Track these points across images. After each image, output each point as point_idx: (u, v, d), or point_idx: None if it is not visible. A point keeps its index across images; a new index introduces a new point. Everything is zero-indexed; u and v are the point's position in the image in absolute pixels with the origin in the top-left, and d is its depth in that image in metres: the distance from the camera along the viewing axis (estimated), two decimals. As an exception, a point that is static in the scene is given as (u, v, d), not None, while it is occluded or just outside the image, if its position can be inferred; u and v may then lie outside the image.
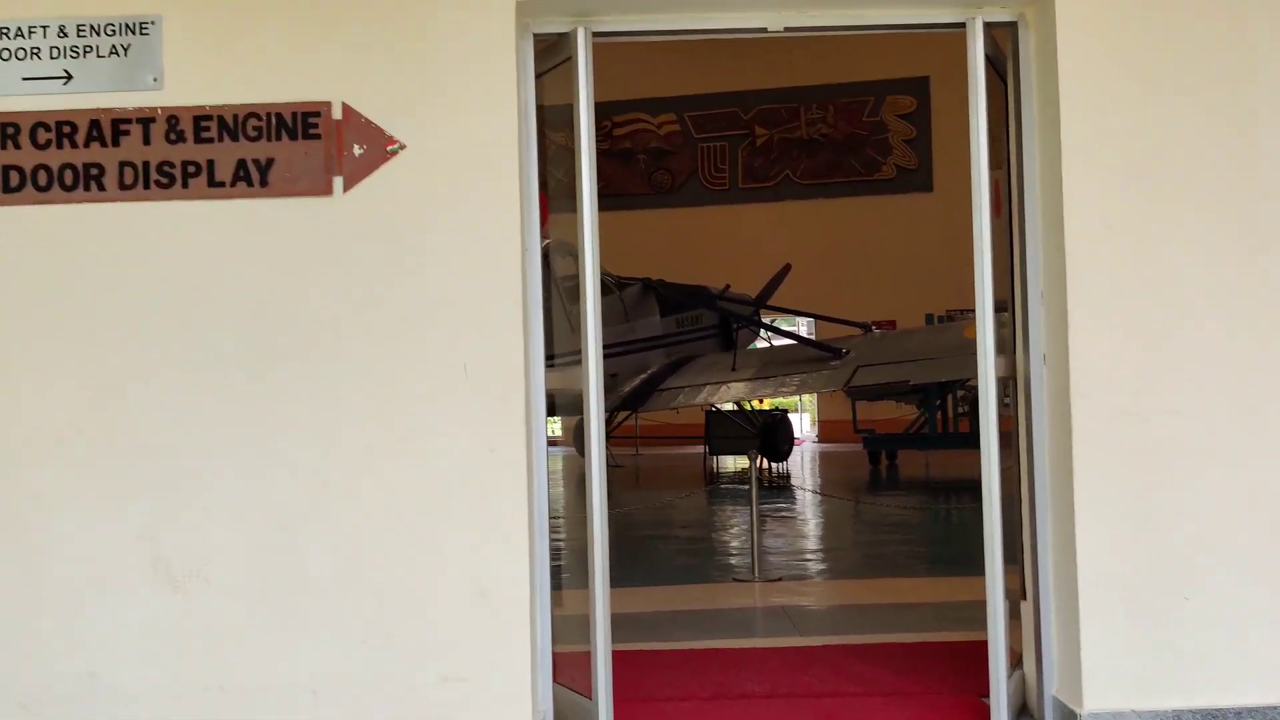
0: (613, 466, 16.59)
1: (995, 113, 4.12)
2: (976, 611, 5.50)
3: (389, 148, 3.93)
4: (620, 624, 4.51)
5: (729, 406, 13.93)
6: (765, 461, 15.50)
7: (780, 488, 13.50)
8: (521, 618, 3.75)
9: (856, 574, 7.26)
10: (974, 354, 11.66)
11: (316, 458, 3.79)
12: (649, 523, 9.75)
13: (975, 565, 7.17)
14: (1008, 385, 4.16)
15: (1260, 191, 3.81)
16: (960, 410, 15.18)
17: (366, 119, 3.87)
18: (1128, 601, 3.78)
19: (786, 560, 7.75)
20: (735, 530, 9.24)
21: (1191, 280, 3.82)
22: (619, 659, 4.07)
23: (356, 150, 3.95)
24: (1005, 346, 4.17)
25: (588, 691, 3.93)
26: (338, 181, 3.89)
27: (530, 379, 3.97)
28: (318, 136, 3.93)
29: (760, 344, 15.98)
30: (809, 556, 8.03)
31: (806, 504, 11.42)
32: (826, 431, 21.55)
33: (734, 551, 8.18)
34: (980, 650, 4.63)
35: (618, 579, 4.02)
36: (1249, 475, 3.79)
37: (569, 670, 4.04)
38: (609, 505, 4.00)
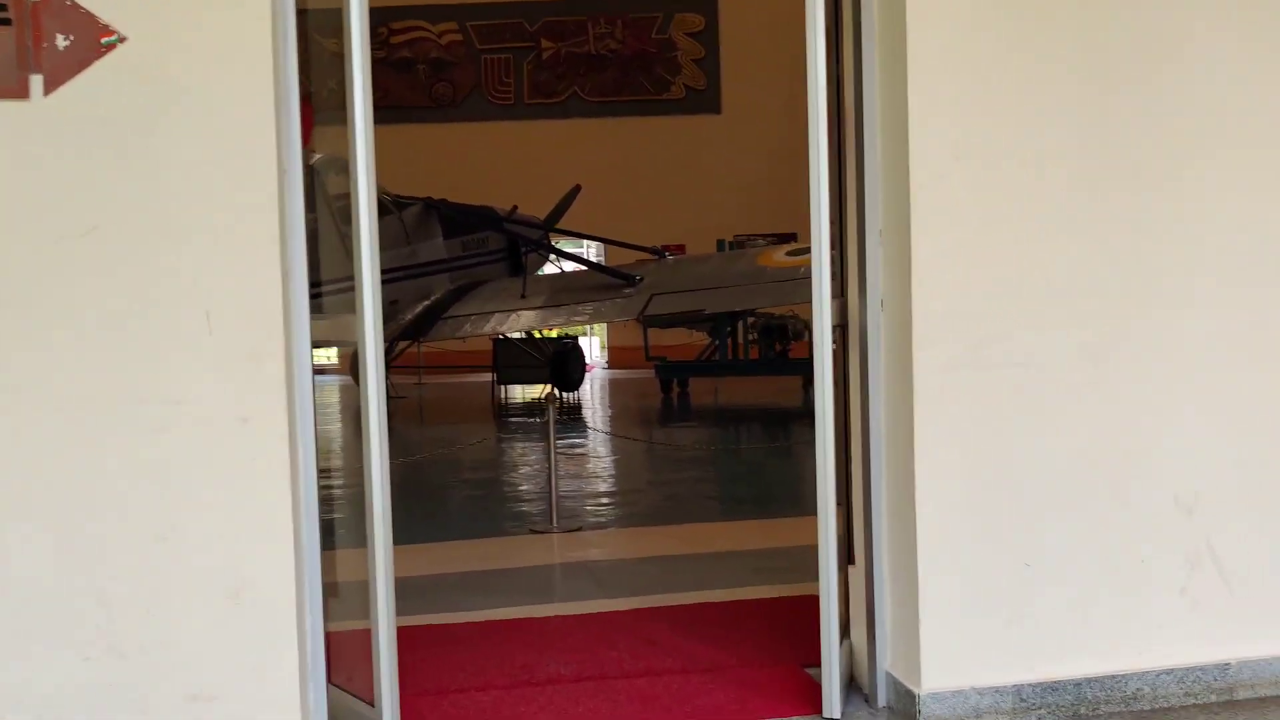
0: (393, 398, 15.76)
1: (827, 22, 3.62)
2: (791, 561, 5.23)
3: (104, 40, 3.10)
4: (406, 591, 3.95)
5: (518, 335, 13.32)
6: (556, 391, 15.03)
7: (572, 420, 13.07)
8: (285, 620, 3.11)
9: (660, 519, 6.87)
10: (771, 282, 11.31)
11: (15, 428, 3.00)
12: (434, 465, 9.09)
13: (784, 508, 6.99)
14: (841, 332, 3.73)
15: (1119, 122, 3.49)
16: (750, 338, 15.11)
17: (74, 2, 3.04)
18: (968, 568, 3.48)
19: (585, 506, 7.30)
20: (528, 472, 8.71)
21: (1042, 222, 3.49)
22: (405, 638, 3.51)
23: (61, 41, 3.11)
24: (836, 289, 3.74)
25: (369, 694, 3.34)
26: (35, 81, 3.04)
27: (292, 328, 3.28)
28: (7, 22, 3.06)
29: (550, 269, 15.38)
30: (608, 501, 7.59)
31: (600, 439, 11.02)
32: (617, 357, 21.29)
33: (529, 498, 7.65)
34: (801, 608, 4.31)
35: (400, 535, 3.41)
36: (1092, 432, 3.53)
37: (346, 668, 3.44)
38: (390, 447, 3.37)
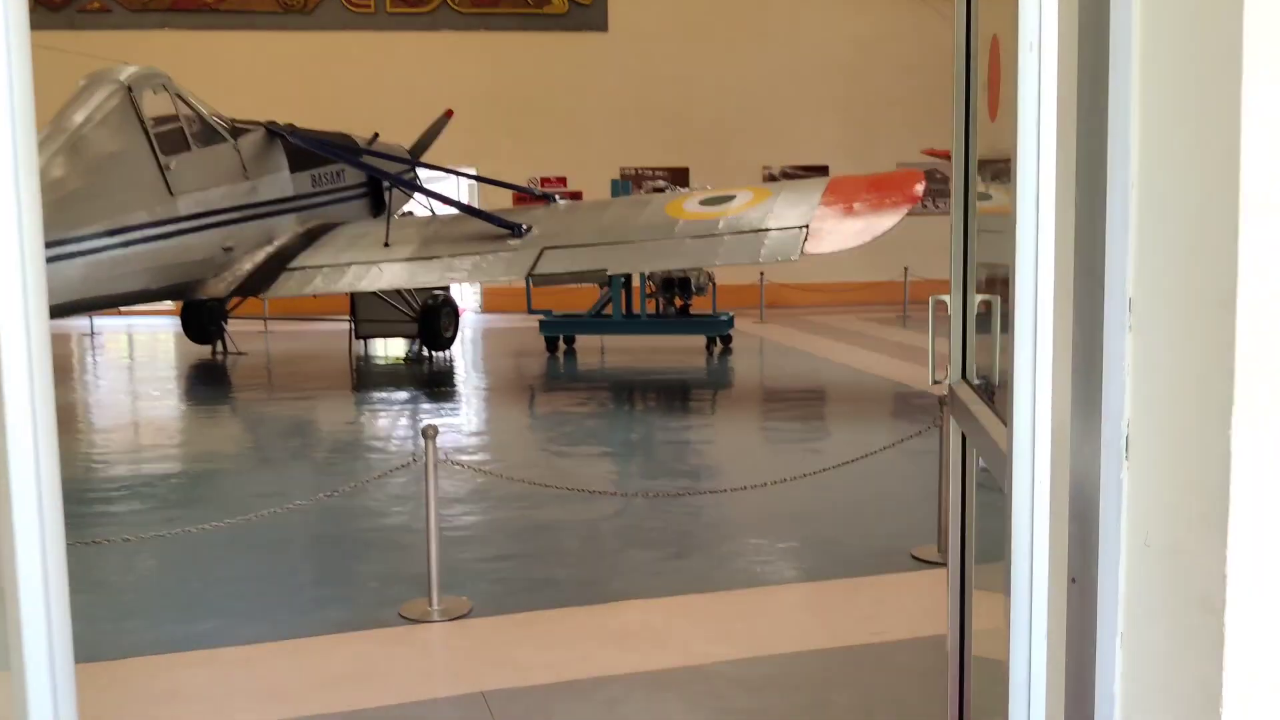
0: (233, 354, 13.53)
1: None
2: (824, 684, 3.54)
3: None
4: None
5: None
6: (425, 349, 13.03)
7: (445, 394, 11.13)
8: None
9: (585, 587, 5.07)
10: (689, 239, 8.95)
11: None
12: (254, 473, 7.10)
13: (767, 561, 5.33)
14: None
15: None
16: (648, 291, 13.36)
17: None
18: None
19: (477, 557, 5.45)
20: (396, 491, 6.69)
21: None
22: None
23: None
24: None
25: None
26: None
27: None
28: None
29: (418, 210, 13.25)
30: (512, 553, 5.68)
31: (487, 423, 9.15)
32: (494, 302, 19.28)
33: (394, 539, 5.73)
34: None
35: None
36: None
37: None
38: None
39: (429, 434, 4.45)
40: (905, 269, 17.69)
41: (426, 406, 10.17)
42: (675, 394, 10.84)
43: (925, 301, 14.64)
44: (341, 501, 5.86)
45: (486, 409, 9.94)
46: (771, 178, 20.09)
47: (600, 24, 19.75)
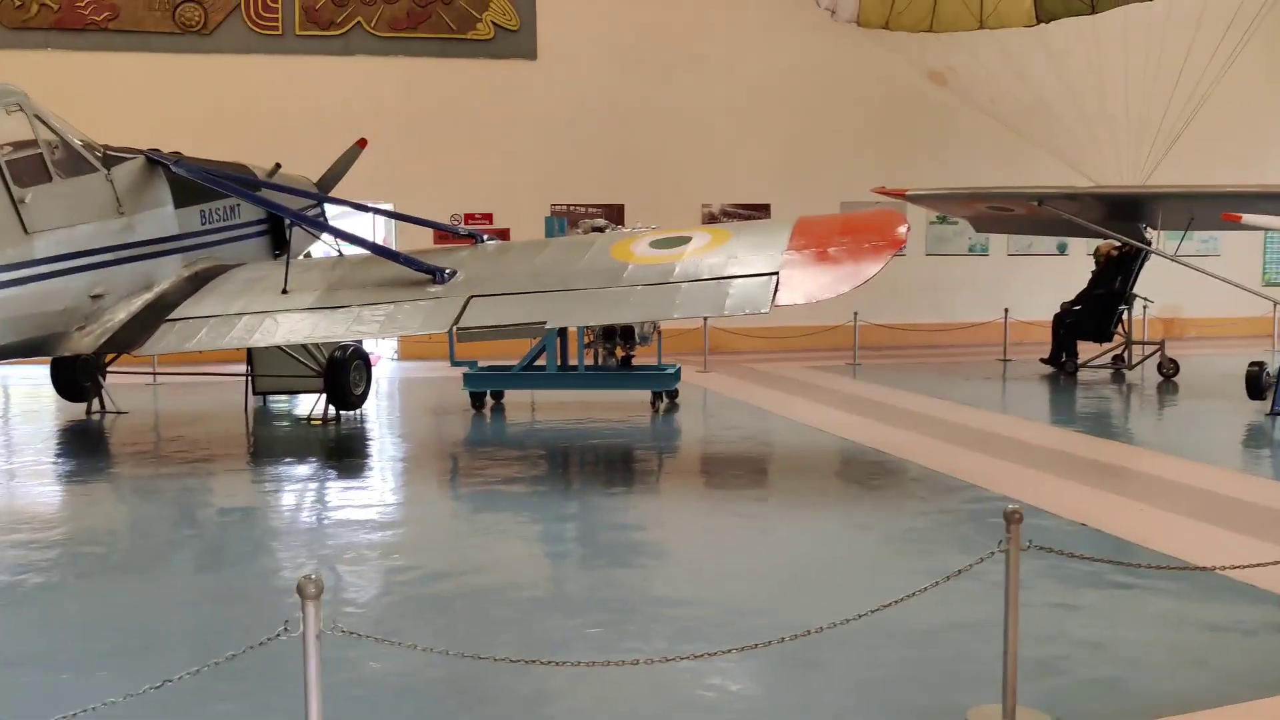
0: (111, 414, 11.85)
1: None
2: None
3: None
4: None
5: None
6: (331, 408, 11.51)
7: (353, 461, 9.63)
8: None
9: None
10: (640, 287, 7.67)
11: None
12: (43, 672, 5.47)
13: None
14: None
15: None
16: (586, 340, 12.01)
17: None
18: None
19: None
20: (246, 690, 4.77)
21: None
22: None
23: None
24: None
25: None
26: None
27: None
28: None
29: (324, 251, 11.75)
30: None
31: (400, 509, 7.67)
32: (414, 348, 17.75)
33: None
34: None
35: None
36: None
37: None
38: None
39: (308, 592, 3.03)
40: (855, 314, 16.60)
41: (330, 487, 8.69)
42: (620, 466, 9.48)
43: (878, 348, 13.62)
44: (170, 694, 4.36)
45: (400, 489, 8.48)
46: (712, 216, 18.95)
47: (529, 51, 18.50)
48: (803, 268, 7.81)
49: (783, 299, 7.53)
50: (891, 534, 6.60)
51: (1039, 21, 17.35)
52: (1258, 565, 4.32)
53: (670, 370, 12.07)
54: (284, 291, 9.06)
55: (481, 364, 12.48)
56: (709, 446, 10.25)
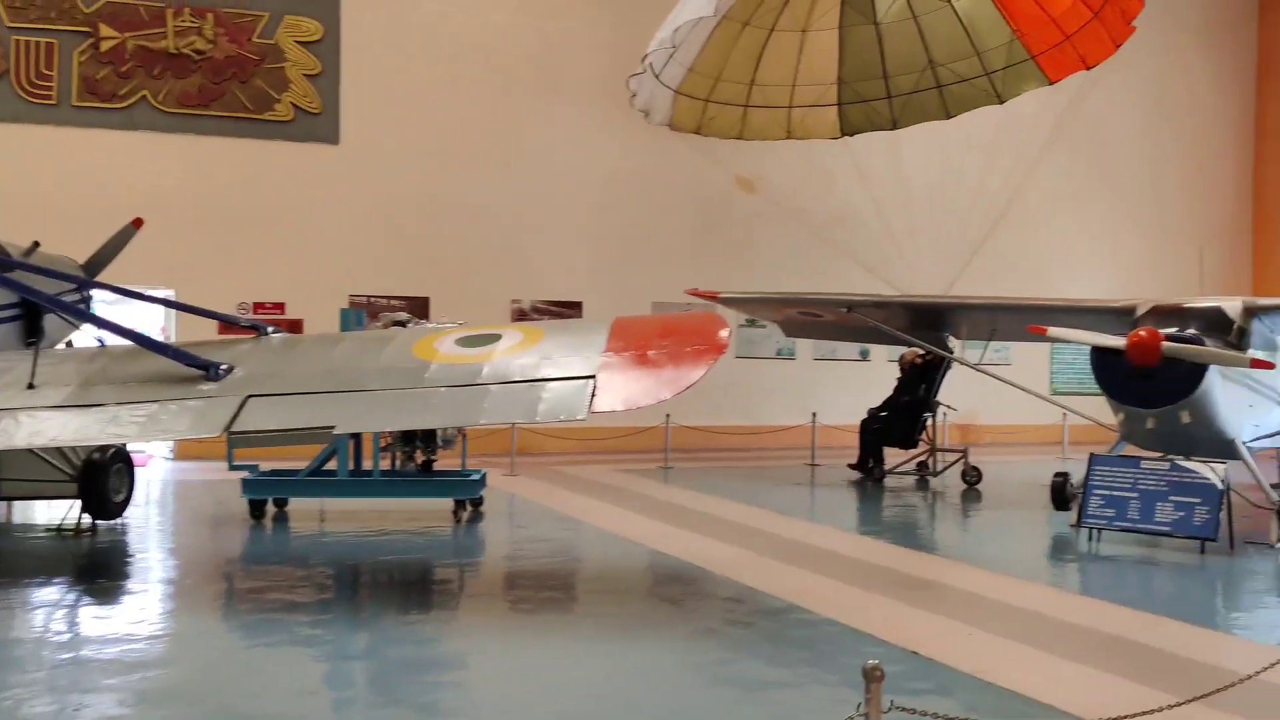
0: None
1: None
2: None
3: None
4: None
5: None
6: (85, 517, 10.15)
7: (108, 584, 8.36)
8: None
9: None
10: (446, 388, 6.99)
11: None
12: None
13: None
14: None
15: None
16: (382, 443, 11.10)
17: None
18: None
19: None
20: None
21: None
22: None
23: None
24: None
25: None
26: None
27: None
28: None
29: (85, 340, 10.48)
30: None
31: (160, 653, 6.55)
32: (190, 447, 16.26)
33: None
34: None
35: None
36: None
37: None
38: None
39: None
40: (667, 416, 16.22)
41: (78, 615, 7.47)
42: (418, 587, 8.58)
43: (689, 450, 13.18)
44: None
45: (160, 619, 7.34)
46: (522, 313, 18.37)
47: (331, 136, 17.67)
48: (622, 371, 7.26)
49: (601, 405, 6.93)
50: (721, 675, 5.98)
51: (844, 134, 17.80)
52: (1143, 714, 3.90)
53: (475, 476, 11.26)
54: (30, 386, 7.87)
55: (265, 467, 11.35)
56: (516, 563, 9.46)
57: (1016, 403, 16.13)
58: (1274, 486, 10.73)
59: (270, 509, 11.16)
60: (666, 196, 19.32)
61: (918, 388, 15.80)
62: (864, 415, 16.02)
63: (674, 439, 16.73)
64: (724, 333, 7.63)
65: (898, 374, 16.31)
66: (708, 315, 8.62)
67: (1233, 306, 10.81)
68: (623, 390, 7.11)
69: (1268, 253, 24.20)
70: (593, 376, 7.13)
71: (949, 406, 16.30)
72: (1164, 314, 10.85)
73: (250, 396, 7.45)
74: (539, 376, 7.24)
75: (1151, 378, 10.15)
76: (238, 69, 17.19)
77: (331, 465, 11.09)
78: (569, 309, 18.62)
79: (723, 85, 16.97)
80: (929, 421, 15.83)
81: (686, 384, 7.13)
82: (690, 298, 15.61)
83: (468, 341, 7.99)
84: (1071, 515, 11.17)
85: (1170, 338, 10.08)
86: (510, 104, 18.57)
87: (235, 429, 7.22)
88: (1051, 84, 16.28)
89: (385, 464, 11.31)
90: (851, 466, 15.90)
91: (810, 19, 16.87)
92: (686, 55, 16.14)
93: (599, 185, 18.96)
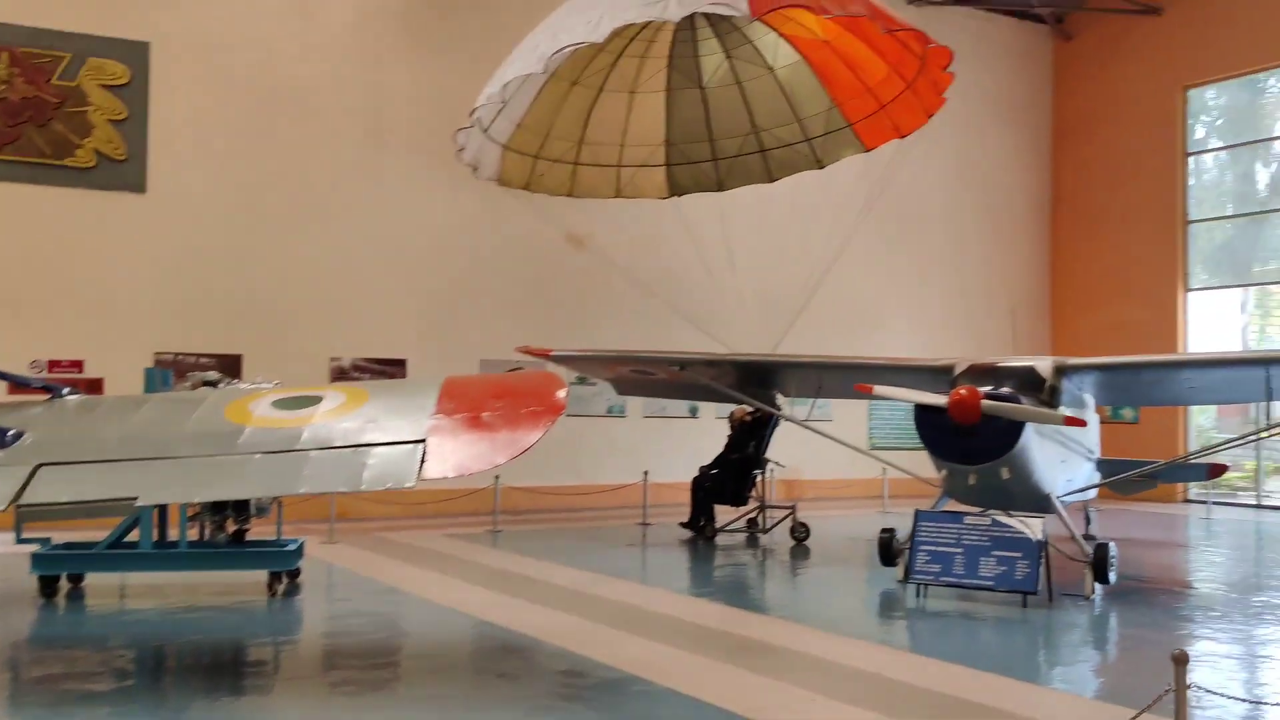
0: None
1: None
2: None
3: None
4: None
5: None
6: None
7: None
8: None
9: None
10: (263, 455, 6.39)
11: None
12: None
13: None
14: None
15: None
16: (189, 512, 10.34)
17: None
18: None
19: None
20: None
21: None
22: None
23: None
24: None
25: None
26: None
27: None
28: None
29: None
30: None
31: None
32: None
33: None
34: None
35: None
36: None
37: None
38: None
39: None
40: (497, 478, 15.81)
41: None
42: (229, 669, 7.95)
43: (517, 512, 12.85)
44: None
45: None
46: (342, 371, 17.68)
47: (137, 184, 16.69)
48: (453, 435, 6.93)
49: (431, 471, 6.58)
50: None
51: (672, 194, 17.97)
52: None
53: (291, 546, 10.61)
54: None
55: (58, 540, 10.42)
56: (336, 640, 8.90)
57: (838, 458, 16.47)
58: (1084, 538, 11.15)
59: (64, 585, 10.23)
60: (495, 252, 19.04)
61: (747, 445, 15.92)
62: (695, 473, 16.01)
63: (503, 500, 16.32)
64: (561, 393, 7.43)
65: (728, 431, 16.39)
66: (544, 375, 8.42)
67: (1044, 366, 11.26)
68: (454, 455, 6.77)
69: (1066, 315, 25.64)
70: (422, 441, 6.78)
71: (777, 463, 16.46)
72: (980, 373, 11.21)
73: (41, 465, 6.79)
74: (364, 441, 6.84)
75: (972, 435, 10.43)
76: (35, 112, 16.09)
77: (134, 536, 10.27)
78: (392, 367, 18.04)
79: (552, 142, 16.90)
80: (759, 478, 15.95)
81: (523, 448, 6.88)
82: (519, 356, 15.34)
83: (285, 404, 7.53)
84: (898, 570, 11.33)
85: (989, 396, 10.40)
86: (331, 155, 17.99)
87: (23, 501, 6.55)
88: (868, 150, 16.85)
89: (193, 534, 10.54)
90: (683, 525, 15.83)
91: (638, 81, 17.01)
92: (515, 111, 16.01)
93: (425, 239, 18.53)
